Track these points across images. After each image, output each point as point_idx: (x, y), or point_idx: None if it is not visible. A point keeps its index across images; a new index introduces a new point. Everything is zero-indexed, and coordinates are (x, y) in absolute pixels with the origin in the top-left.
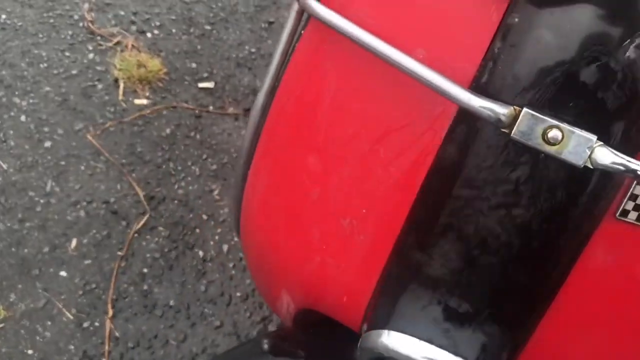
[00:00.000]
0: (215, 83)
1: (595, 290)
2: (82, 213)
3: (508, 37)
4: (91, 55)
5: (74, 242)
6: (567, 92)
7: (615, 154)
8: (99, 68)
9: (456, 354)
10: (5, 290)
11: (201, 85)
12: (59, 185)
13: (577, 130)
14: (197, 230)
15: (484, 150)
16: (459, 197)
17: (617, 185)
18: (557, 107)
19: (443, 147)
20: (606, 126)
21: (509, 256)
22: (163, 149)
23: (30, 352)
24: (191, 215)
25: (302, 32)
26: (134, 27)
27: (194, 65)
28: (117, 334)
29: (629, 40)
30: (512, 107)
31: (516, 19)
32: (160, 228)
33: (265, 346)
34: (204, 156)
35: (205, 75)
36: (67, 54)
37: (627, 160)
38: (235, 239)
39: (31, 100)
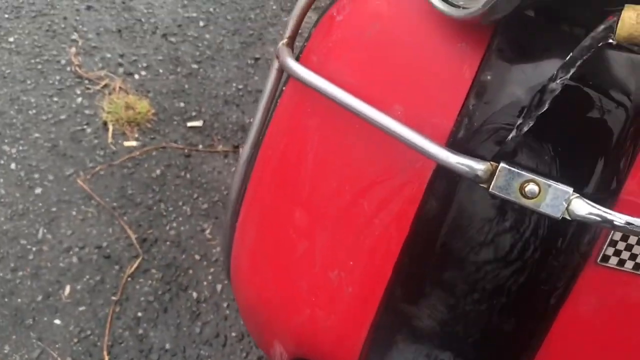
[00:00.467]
0: (204, 121)
1: (580, 335)
2: (74, 259)
3: (482, 94)
4: (79, 100)
5: (67, 289)
6: (541, 145)
7: (592, 206)
8: (87, 112)
9: None
10: None
11: (190, 124)
12: (51, 232)
13: (554, 184)
14: (190, 271)
15: (464, 204)
16: (443, 249)
17: (596, 232)
18: (532, 160)
19: (424, 200)
20: (582, 175)
21: (496, 306)
22: (154, 190)
23: None
24: (184, 256)
25: (284, 87)
26: (121, 69)
27: (182, 104)
28: None
29: (600, 91)
30: (488, 163)
31: (488, 77)
32: (154, 270)
33: None
34: (195, 195)
35: (194, 114)
36: (55, 99)
37: (603, 211)
38: None
39: (21, 147)
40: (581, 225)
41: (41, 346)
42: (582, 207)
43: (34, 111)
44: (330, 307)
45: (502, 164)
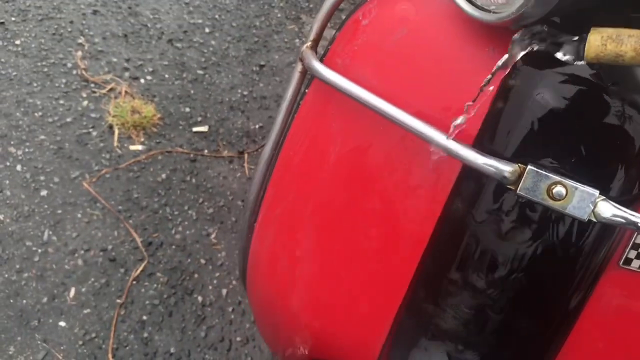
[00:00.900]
0: (209, 127)
1: (601, 337)
2: (80, 261)
3: (509, 97)
4: (85, 103)
5: (72, 292)
6: (568, 148)
7: (617, 208)
8: (93, 115)
9: None
10: (4, 344)
11: (195, 129)
12: (56, 234)
13: (580, 186)
14: (196, 275)
15: (490, 205)
16: (468, 250)
17: (618, 235)
18: (559, 162)
19: (450, 201)
20: (607, 178)
21: (518, 308)
22: (159, 194)
23: None
24: (189, 260)
25: (306, 90)
26: (127, 74)
27: (187, 109)
28: None
29: (623, 98)
30: (516, 165)
31: (515, 81)
32: (159, 274)
33: None
34: (200, 200)
35: (199, 119)
36: (61, 102)
37: (629, 214)
38: (234, 282)
39: (27, 150)
40: (604, 228)
41: (46, 348)
42: (608, 210)
43: (40, 113)
44: (351, 309)
45: (529, 166)
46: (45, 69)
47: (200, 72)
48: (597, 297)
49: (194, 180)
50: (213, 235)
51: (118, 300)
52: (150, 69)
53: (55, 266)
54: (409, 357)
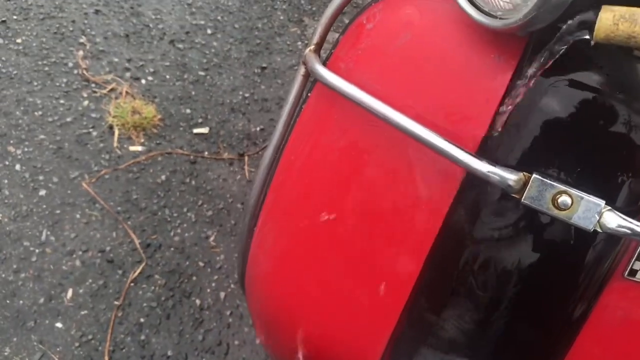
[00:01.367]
0: (210, 128)
1: (604, 348)
2: (77, 262)
3: (514, 105)
4: (86, 103)
5: (69, 293)
6: (573, 157)
7: (623, 218)
8: (93, 115)
9: None
10: (0, 344)
11: (196, 130)
12: (54, 235)
13: (586, 196)
14: (194, 278)
15: (493, 214)
16: (470, 259)
17: (623, 246)
18: (564, 171)
19: (452, 210)
20: (613, 188)
21: (522, 318)
22: (158, 196)
23: None
24: (187, 263)
25: (309, 94)
26: (128, 74)
27: (188, 111)
28: None
29: (630, 107)
30: (521, 174)
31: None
32: (157, 276)
33: None
34: (200, 202)
35: (200, 120)
36: (61, 101)
37: (635, 224)
38: (232, 285)
39: (26, 149)
40: (609, 239)
41: (42, 349)
42: (614, 220)
43: (40, 113)
44: (350, 316)
45: (534, 175)
46: (46, 68)
47: (201, 73)
48: (601, 308)
49: (193, 182)
50: (212, 238)
51: (115, 302)
52: (152, 70)
53: (53, 267)
54: None
